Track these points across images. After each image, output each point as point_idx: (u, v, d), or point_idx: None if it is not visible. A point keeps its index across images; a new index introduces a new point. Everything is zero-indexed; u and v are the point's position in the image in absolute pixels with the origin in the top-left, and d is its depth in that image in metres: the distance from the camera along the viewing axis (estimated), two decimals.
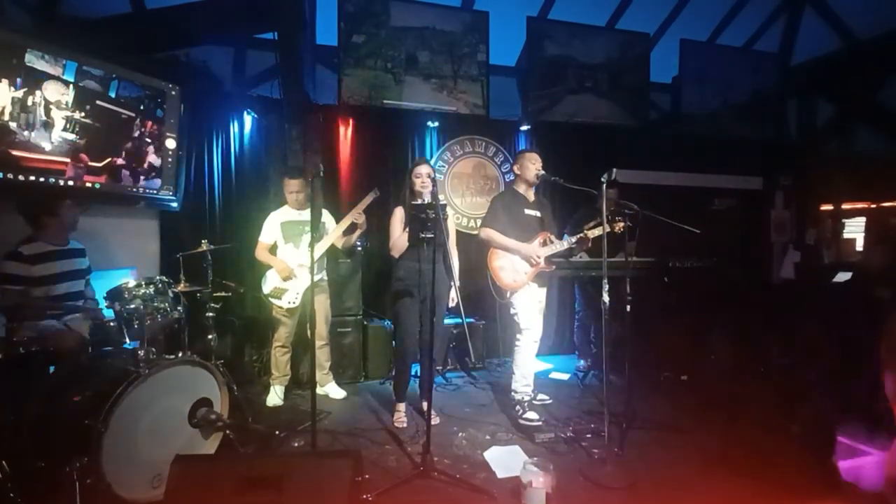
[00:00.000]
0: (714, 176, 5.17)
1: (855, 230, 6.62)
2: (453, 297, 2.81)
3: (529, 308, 2.93)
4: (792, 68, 5.67)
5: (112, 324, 2.36)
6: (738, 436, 2.67)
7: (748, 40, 5.85)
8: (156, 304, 2.34)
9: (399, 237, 2.82)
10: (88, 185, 3.19)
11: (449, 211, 3.04)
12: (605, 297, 2.38)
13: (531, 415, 2.85)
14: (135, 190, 3.48)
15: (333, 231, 3.20)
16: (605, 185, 2.43)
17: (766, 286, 5.01)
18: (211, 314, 2.97)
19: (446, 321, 3.84)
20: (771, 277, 5.18)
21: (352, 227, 3.15)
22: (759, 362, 3.64)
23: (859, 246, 6.39)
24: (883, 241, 5.14)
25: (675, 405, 3.22)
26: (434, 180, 2.60)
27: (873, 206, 6.51)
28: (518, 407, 2.92)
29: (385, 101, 4.30)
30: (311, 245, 2.49)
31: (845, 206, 6.40)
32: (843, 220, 6.57)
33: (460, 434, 2.81)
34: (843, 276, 4.40)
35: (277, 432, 2.69)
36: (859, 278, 3.87)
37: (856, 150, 5.87)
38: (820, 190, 5.86)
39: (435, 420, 2.84)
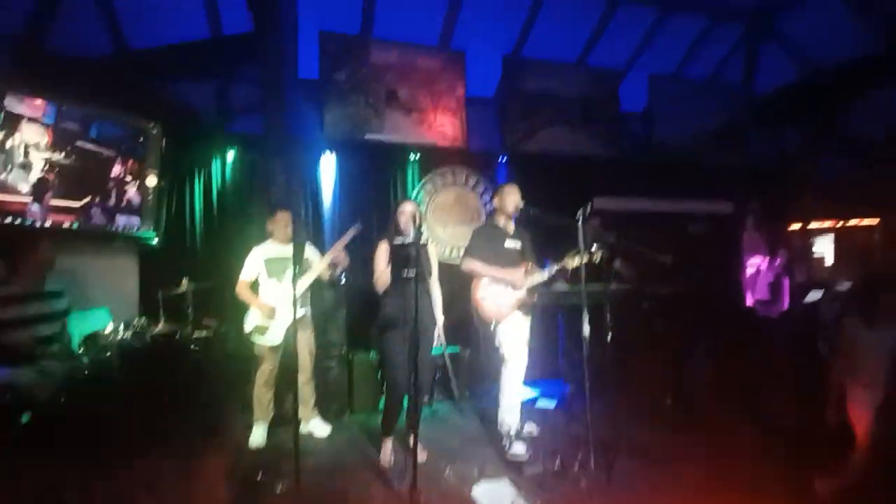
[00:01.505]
0: (687, 201, 5.36)
1: (824, 248, 6.90)
2: (439, 335, 2.82)
3: (514, 338, 2.96)
4: (756, 97, 5.98)
5: (87, 372, 2.31)
6: (722, 464, 2.72)
7: (713, 71, 6.17)
8: (132, 347, 2.30)
9: (383, 272, 2.85)
10: (66, 225, 3.16)
11: (430, 247, 3.10)
12: (586, 332, 2.43)
13: (518, 448, 2.84)
14: (113, 228, 3.45)
15: (317, 265, 3.21)
16: (580, 221, 2.51)
17: (740, 308, 5.14)
18: (191, 353, 2.91)
19: (432, 351, 3.85)
20: (745, 299, 5.32)
21: (332, 264, 3.17)
22: (737, 386, 3.72)
23: (829, 262, 6.65)
24: (850, 259, 5.37)
25: (660, 431, 3.25)
26: (417, 218, 2.66)
27: (840, 223, 6.81)
28: (505, 440, 2.91)
29: (367, 136, 4.39)
30: (294, 280, 2.51)
31: (813, 225, 6.69)
32: (812, 239, 6.84)
33: (448, 469, 2.78)
34: (814, 296, 4.55)
35: (260, 476, 2.62)
36: (829, 299, 4.02)
37: (820, 173, 6.16)
38: (788, 212, 6.11)
39: (422, 455, 2.80)
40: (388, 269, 2.80)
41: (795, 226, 6.46)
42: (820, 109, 5.75)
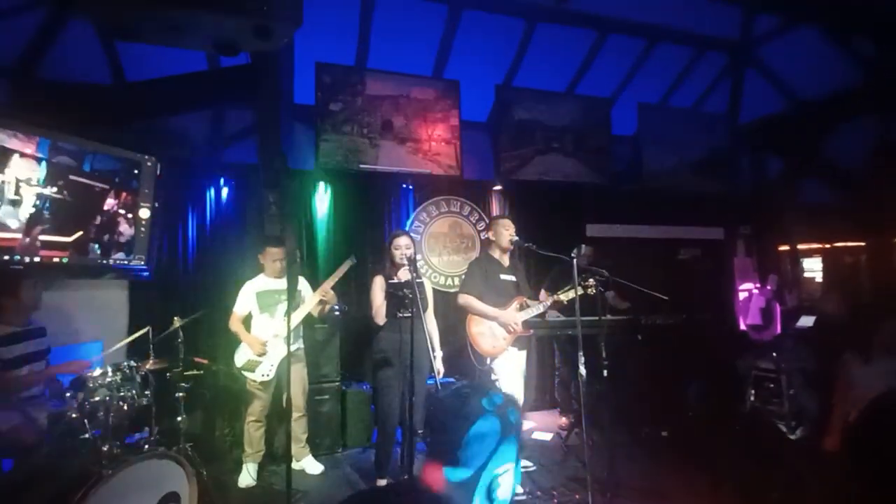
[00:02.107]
0: (678, 227, 5.44)
1: (814, 269, 7.01)
2: (439, 369, 2.81)
3: (511, 374, 2.94)
4: (741, 126, 6.13)
5: (74, 415, 2.24)
6: (721, 500, 2.69)
7: (698, 100, 6.34)
8: (122, 392, 2.25)
9: (381, 305, 2.84)
10: (56, 259, 3.12)
11: (426, 281, 3.10)
12: (582, 371, 2.41)
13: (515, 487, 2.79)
14: (105, 262, 3.41)
15: (309, 300, 3.18)
16: (575, 259, 2.53)
17: (733, 333, 5.18)
18: (181, 394, 2.84)
19: (428, 381, 3.80)
20: (737, 324, 5.36)
21: (321, 301, 3.16)
22: (733, 417, 3.71)
23: (819, 280, 6.75)
24: (838, 288, 5.44)
25: (657, 465, 3.22)
26: (413, 252, 2.66)
27: (827, 246, 6.94)
28: None
29: (361, 165, 4.42)
30: (287, 314, 2.48)
31: (802, 247, 6.80)
32: (802, 260, 6.94)
33: None
34: (806, 321, 4.59)
35: None
36: (820, 326, 4.06)
37: (804, 198, 6.30)
38: (776, 237, 6.21)
39: None
40: (385, 305, 2.79)
41: (784, 247, 6.57)
42: (802, 138, 5.90)
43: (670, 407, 3.85)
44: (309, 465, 3.33)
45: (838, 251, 6.99)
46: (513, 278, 3.10)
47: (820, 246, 7.03)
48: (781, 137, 6.02)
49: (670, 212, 5.36)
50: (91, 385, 2.20)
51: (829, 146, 6.00)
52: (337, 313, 3.77)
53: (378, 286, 2.91)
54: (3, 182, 2.85)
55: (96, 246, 3.34)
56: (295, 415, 3.21)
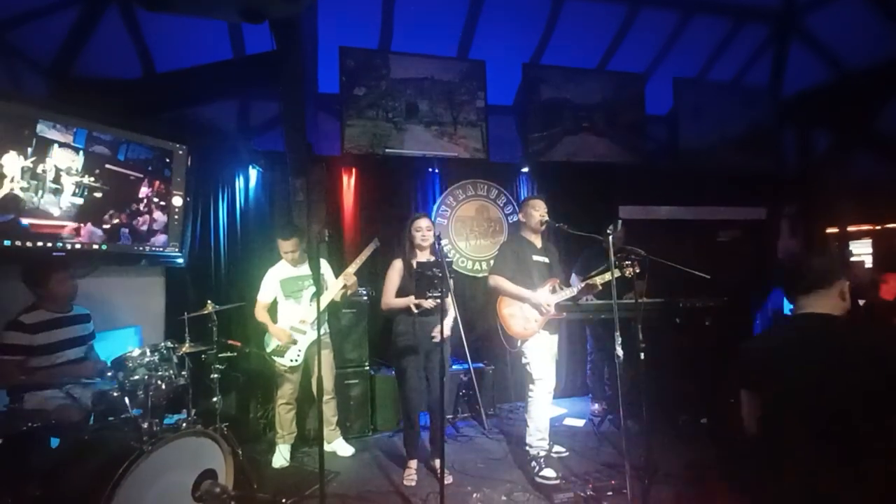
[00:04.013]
0: (717, 208, 5.18)
1: (862, 252, 6.58)
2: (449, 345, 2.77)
3: (542, 357, 2.87)
4: (785, 99, 5.76)
5: (115, 394, 2.31)
6: (763, 489, 2.55)
7: (738, 74, 5.99)
8: (160, 372, 2.30)
9: (392, 292, 2.84)
10: (95, 246, 3.21)
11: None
12: (619, 351, 2.32)
13: (548, 472, 2.73)
14: (141, 248, 3.50)
15: (332, 286, 3.17)
16: (611, 236, 2.42)
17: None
18: (216, 375, 2.90)
19: (455, 367, 3.77)
20: (781, 308, 5.09)
21: (343, 286, 3.15)
22: None
23: (869, 265, 6.32)
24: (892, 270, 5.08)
25: (696, 453, 3.10)
26: (438, 238, 2.61)
27: (878, 227, 6.49)
28: (534, 463, 2.81)
29: (387, 150, 4.38)
30: (316, 298, 2.48)
31: (851, 229, 6.38)
32: (849, 242, 6.52)
33: (475, 495, 2.70)
34: None
35: (284, 501, 2.58)
36: (874, 309, 3.80)
37: (855, 175, 5.89)
38: (824, 217, 5.84)
39: (448, 479, 2.73)
40: (396, 300, 2.82)
41: (832, 230, 6.18)
42: (851, 110, 5.50)
43: (710, 394, 3.68)
44: (340, 447, 3.36)
45: (889, 233, 6.54)
46: (545, 259, 3.01)
47: (870, 227, 6.58)
48: (828, 110, 5.63)
49: (709, 191, 5.10)
50: (130, 365, 2.26)
51: (881, 118, 5.58)
52: (364, 298, 3.78)
53: (395, 271, 2.88)
54: (44, 170, 2.94)
55: (134, 233, 3.43)
56: (325, 397, 3.23)
